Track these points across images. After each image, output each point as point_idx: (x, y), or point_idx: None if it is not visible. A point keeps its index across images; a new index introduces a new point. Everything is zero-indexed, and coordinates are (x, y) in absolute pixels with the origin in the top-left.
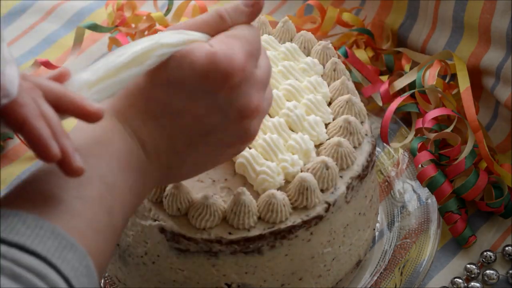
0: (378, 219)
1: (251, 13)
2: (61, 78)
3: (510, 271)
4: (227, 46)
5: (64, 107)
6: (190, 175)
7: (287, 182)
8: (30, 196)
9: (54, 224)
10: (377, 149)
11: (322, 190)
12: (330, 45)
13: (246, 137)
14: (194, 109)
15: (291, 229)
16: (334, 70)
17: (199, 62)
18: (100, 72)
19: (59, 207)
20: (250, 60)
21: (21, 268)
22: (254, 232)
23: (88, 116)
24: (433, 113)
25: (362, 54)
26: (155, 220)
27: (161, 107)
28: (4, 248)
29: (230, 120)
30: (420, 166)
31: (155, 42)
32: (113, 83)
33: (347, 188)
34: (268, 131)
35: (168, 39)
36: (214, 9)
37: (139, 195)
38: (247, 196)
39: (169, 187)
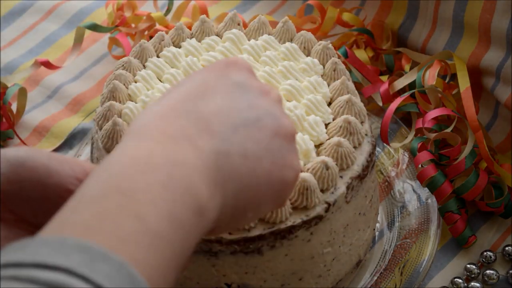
0: (378, 219)
1: None
2: None
3: (510, 271)
4: None
5: None
6: None
7: None
8: None
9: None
10: (377, 149)
11: (322, 190)
12: (330, 45)
13: None
14: None
15: (291, 229)
16: (334, 70)
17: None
18: None
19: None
20: None
21: (39, 284)
22: (254, 232)
23: None
24: (433, 113)
25: (362, 54)
26: None
27: None
28: (19, 271)
29: None
30: (420, 166)
31: None
32: None
33: (347, 188)
34: None
35: None
36: None
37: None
38: None
39: None
